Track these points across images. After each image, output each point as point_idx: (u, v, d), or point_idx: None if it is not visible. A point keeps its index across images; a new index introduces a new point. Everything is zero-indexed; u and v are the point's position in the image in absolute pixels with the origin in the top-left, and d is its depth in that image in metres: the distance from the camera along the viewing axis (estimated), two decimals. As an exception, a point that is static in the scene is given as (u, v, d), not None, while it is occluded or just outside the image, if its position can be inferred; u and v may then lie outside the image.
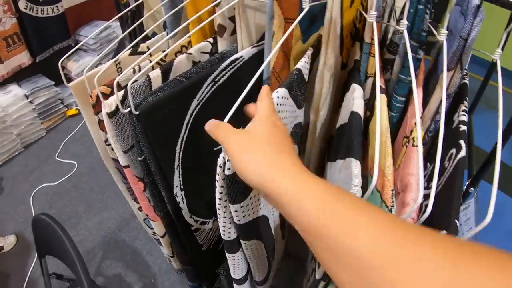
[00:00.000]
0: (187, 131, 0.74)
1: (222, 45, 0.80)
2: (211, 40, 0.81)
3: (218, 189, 0.49)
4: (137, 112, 0.64)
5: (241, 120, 0.46)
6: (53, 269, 1.28)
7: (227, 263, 0.68)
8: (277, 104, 0.52)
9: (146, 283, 1.63)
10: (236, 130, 0.41)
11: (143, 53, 0.85)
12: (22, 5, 2.17)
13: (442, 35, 0.62)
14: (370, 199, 0.55)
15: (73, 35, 2.58)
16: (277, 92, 0.52)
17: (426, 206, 0.42)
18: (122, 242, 1.82)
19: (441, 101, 0.64)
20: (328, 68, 0.65)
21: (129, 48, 0.81)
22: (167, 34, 0.89)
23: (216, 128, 0.43)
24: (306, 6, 0.57)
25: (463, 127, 0.61)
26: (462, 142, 0.57)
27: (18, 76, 2.38)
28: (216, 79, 0.74)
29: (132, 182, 0.87)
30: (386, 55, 0.73)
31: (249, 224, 0.57)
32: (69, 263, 1.02)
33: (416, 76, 0.72)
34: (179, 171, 0.78)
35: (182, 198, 0.82)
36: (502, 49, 0.60)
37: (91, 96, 0.73)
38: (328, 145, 0.80)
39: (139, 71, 0.76)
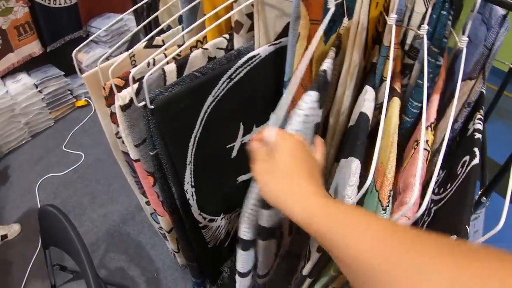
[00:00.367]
0: (201, 127, 0.73)
1: (238, 42, 0.79)
2: (227, 36, 0.80)
3: (254, 195, 0.52)
4: (152, 106, 0.64)
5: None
6: (56, 260, 1.28)
7: (231, 260, 0.70)
8: (309, 108, 0.53)
9: (149, 277, 1.63)
10: (266, 157, 0.45)
11: (158, 46, 0.84)
12: (35, -6, 2.18)
13: (463, 42, 0.62)
14: (368, 198, 0.56)
15: (85, 26, 2.58)
16: (310, 96, 0.53)
17: (433, 210, 0.43)
18: (126, 236, 1.81)
19: (460, 109, 0.64)
20: (352, 71, 0.64)
21: (144, 41, 0.81)
22: (183, 28, 0.89)
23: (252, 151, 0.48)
24: (332, 6, 0.56)
25: (478, 135, 0.61)
26: (476, 150, 0.57)
27: (28, 66, 2.38)
28: (233, 76, 0.73)
29: (142, 176, 0.86)
30: (405, 60, 0.72)
31: (272, 227, 0.60)
32: (74, 254, 1.02)
33: (435, 82, 0.71)
34: (191, 168, 0.77)
35: (192, 195, 0.82)
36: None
37: (104, 88, 0.72)
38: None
39: (154, 64, 0.75)
